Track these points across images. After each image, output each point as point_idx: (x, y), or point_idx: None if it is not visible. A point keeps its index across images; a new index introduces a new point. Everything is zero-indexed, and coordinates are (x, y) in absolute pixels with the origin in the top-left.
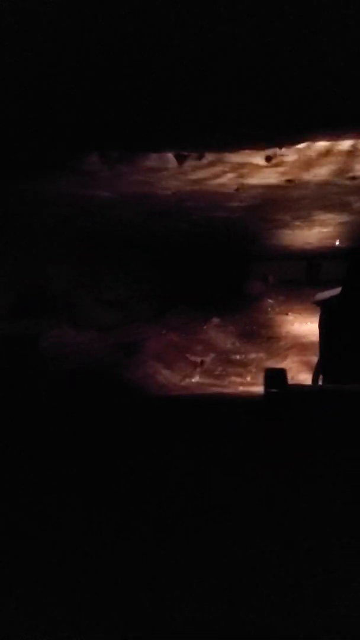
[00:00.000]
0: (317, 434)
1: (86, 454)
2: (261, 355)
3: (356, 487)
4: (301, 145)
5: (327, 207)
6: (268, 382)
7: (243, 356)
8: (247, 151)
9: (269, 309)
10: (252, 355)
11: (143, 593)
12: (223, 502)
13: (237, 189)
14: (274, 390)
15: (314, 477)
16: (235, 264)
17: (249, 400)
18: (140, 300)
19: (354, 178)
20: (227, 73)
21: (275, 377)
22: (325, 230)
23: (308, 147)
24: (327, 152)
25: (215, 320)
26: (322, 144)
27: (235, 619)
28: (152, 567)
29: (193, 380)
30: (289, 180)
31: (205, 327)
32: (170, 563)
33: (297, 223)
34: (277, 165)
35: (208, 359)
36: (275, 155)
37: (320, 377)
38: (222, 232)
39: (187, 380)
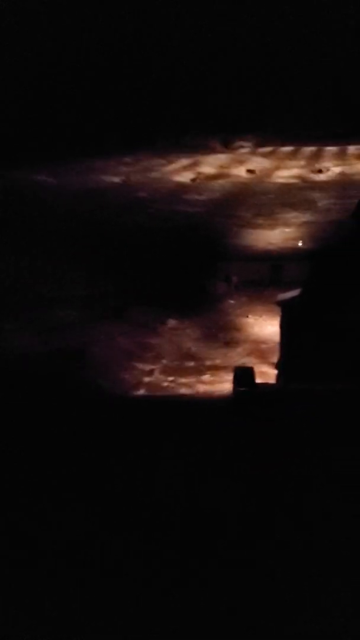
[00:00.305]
0: (287, 431)
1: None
2: (217, 362)
3: (334, 481)
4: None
5: (291, 205)
6: (237, 381)
7: (199, 363)
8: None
9: (230, 311)
10: (208, 362)
11: (142, 593)
12: (208, 502)
13: (194, 180)
14: (243, 389)
15: (293, 474)
16: (197, 263)
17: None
18: (92, 299)
19: (319, 171)
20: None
21: (244, 376)
22: (288, 230)
23: None
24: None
25: (172, 322)
26: None
27: (233, 619)
28: (151, 569)
29: (139, 393)
30: (249, 171)
31: (159, 330)
32: (167, 564)
33: (260, 221)
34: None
35: (158, 367)
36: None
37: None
38: (183, 228)
39: (133, 392)
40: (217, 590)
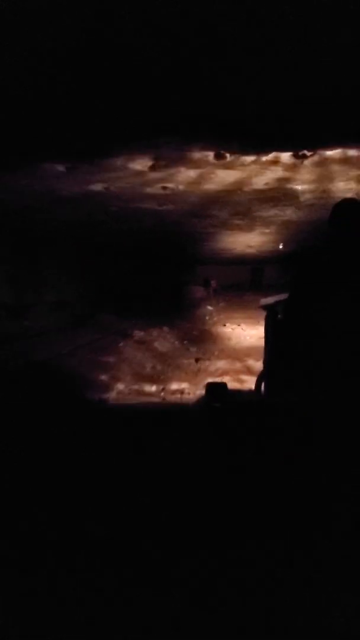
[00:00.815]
0: (259, 447)
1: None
2: (184, 386)
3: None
4: None
5: (270, 200)
6: (209, 396)
7: (160, 388)
8: None
9: (207, 318)
10: (173, 387)
11: (142, 593)
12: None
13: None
14: (215, 404)
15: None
16: (173, 267)
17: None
18: (52, 308)
19: (304, 156)
20: None
21: (216, 391)
22: (267, 231)
23: None
24: None
25: (137, 333)
26: None
27: (234, 619)
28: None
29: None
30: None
31: (121, 343)
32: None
33: (237, 222)
34: None
35: (111, 395)
36: None
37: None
38: (151, 229)
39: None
40: (219, 591)
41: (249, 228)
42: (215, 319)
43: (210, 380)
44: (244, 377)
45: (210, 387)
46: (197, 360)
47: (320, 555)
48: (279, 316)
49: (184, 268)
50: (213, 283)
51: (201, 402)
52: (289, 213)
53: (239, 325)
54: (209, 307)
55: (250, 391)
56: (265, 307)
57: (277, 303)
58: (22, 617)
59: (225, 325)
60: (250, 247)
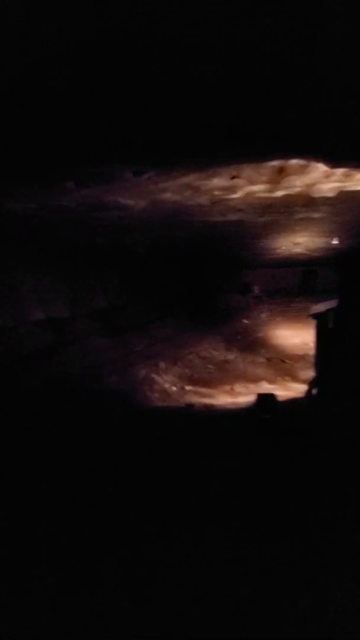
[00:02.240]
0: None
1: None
2: (232, 391)
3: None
4: None
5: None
6: (259, 408)
7: (208, 392)
8: None
9: (250, 325)
10: (222, 391)
11: (143, 593)
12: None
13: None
14: (266, 416)
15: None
16: (210, 273)
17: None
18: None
19: None
20: None
21: (266, 403)
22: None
23: None
24: None
25: (183, 339)
26: None
27: (235, 619)
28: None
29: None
30: None
31: (169, 349)
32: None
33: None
34: None
35: (160, 399)
36: None
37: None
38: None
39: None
40: (219, 592)
41: (299, 225)
42: (259, 326)
43: (257, 385)
44: (292, 384)
45: (260, 398)
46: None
47: None
48: (330, 324)
49: (226, 274)
50: (255, 289)
51: (251, 411)
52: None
53: (285, 331)
54: (252, 315)
55: (298, 399)
56: (316, 316)
57: (328, 311)
58: (21, 616)
59: (271, 331)
60: (297, 244)
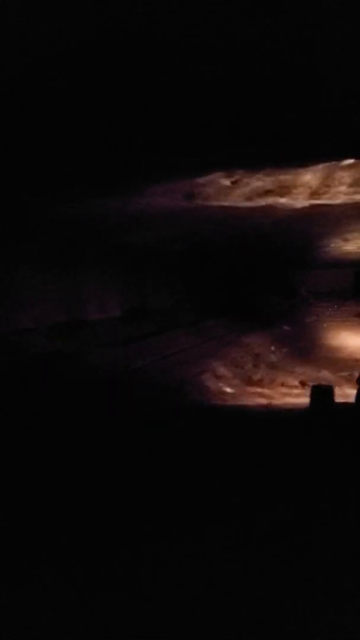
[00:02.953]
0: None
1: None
2: (286, 390)
3: None
4: None
5: None
6: (314, 400)
7: (263, 391)
8: None
9: (300, 327)
10: (277, 391)
11: (144, 593)
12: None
13: None
14: (320, 407)
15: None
16: (254, 273)
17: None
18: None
19: None
20: None
21: (322, 393)
22: None
23: None
24: None
25: (236, 338)
26: None
27: (235, 618)
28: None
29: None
30: None
31: (223, 347)
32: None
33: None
34: None
35: (217, 396)
36: None
37: None
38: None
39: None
40: (220, 593)
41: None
42: (307, 329)
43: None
44: (348, 390)
45: (316, 389)
46: (296, 367)
47: None
48: None
49: (273, 275)
50: (302, 291)
51: (307, 407)
52: None
53: (337, 334)
54: (299, 318)
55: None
56: None
57: None
58: (21, 616)
59: (326, 334)
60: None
